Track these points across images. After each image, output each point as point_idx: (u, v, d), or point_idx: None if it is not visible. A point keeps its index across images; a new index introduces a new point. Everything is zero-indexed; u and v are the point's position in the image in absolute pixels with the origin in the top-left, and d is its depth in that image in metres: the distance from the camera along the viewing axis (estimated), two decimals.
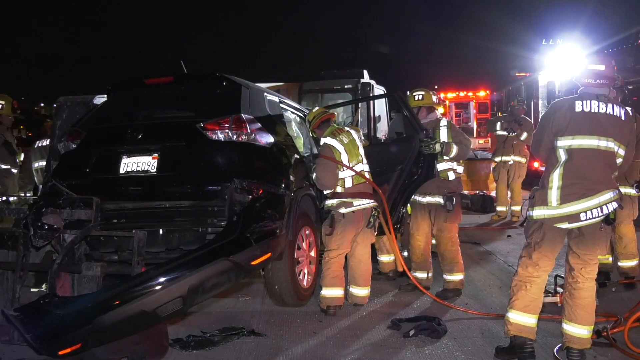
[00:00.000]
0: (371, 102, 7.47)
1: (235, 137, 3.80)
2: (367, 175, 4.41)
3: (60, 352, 2.84)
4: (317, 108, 4.72)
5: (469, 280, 4.99)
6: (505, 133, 8.43)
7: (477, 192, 10.16)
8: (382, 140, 6.98)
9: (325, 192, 4.40)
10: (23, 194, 6.16)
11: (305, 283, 4.34)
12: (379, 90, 8.06)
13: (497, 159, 8.61)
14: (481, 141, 17.28)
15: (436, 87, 22.97)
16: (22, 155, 6.57)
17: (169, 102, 4.30)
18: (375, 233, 4.60)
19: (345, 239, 4.25)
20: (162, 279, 3.03)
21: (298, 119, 5.20)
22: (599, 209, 3.05)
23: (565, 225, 3.11)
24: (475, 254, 6.35)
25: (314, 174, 4.30)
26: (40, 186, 4.99)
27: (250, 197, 3.67)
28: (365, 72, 8.23)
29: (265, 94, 4.48)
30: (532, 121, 9.35)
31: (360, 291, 4.40)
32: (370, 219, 4.35)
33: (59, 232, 3.56)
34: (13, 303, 3.30)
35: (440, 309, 4.26)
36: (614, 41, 10.79)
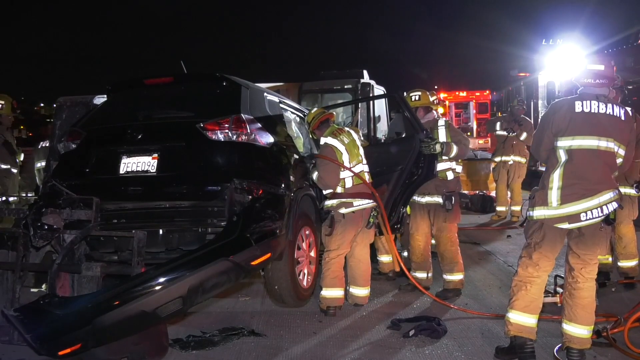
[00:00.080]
0: (371, 102, 7.47)
1: (235, 137, 3.80)
2: (367, 176, 4.42)
3: (60, 353, 2.84)
4: (315, 109, 4.73)
5: (468, 280, 5.00)
6: (505, 133, 8.43)
7: (477, 192, 10.17)
8: (382, 141, 6.98)
9: (325, 192, 4.40)
10: (25, 194, 6.16)
11: (305, 283, 4.34)
12: (378, 90, 8.06)
13: (497, 159, 8.61)
14: (481, 141, 17.28)
15: (436, 87, 22.98)
16: (22, 155, 6.57)
17: (168, 102, 4.30)
18: (377, 233, 4.60)
19: (345, 240, 4.25)
20: (162, 279, 3.03)
21: (298, 119, 5.20)
22: (599, 209, 3.06)
23: (565, 226, 3.11)
24: (475, 254, 6.35)
25: (315, 174, 4.30)
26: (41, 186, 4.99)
27: (250, 197, 3.67)
28: (365, 73, 8.22)
29: (265, 94, 4.48)
30: (532, 121, 9.35)
31: (360, 291, 4.40)
32: (370, 219, 4.35)
33: (59, 232, 3.56)
34: (13, 303, 3.30)
35: (440, 309, 4.26)
36: (614, 41, 10.78)
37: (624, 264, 4.85)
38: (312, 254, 4.48)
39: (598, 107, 3.11)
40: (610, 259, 4.90)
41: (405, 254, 5.17)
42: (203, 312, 4.24)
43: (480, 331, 3.81)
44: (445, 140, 4.67)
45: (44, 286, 3.62)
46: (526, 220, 3.33)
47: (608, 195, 3.08)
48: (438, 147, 4.55)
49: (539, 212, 3.15)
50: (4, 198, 5.68)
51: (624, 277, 4.87)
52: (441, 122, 4.84)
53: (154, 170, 3.76)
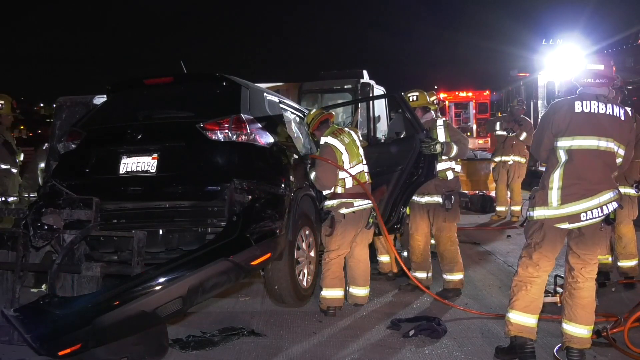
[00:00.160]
0: (371, 102, 7.46)
1: (235, 137, 3.80)
2: (367, 176, 4.42)
3: (60, 353, 2.84)
4: (314, 110, 4.74)
5: (468, 280, 5.00)
6: (504, 133, 8.43)
7: (477, 192, 10.17)
8: (382, 141, 6.98)
9: (325, 192, 4.40)
10: (27, 195, 6.15)
11: (305, 283, 4.34)
12: (378, 90, 8.05)
13: (497, 159, 8.61)
14: (481, 141, 17.27)
15: (435, 87, 22.97)
16: (22, 155, 6.57)
17: (168, 102, 4.30)
18: (376, 233, 4.59)
19: (346, 240, 4.25)
20: (161, 279, 3.03)
21: (298, 119, 5.20)
22: (599, 209, 3.06)
23: (565, 226, 3.11)
24: (475, 254, 6.35)
25: (313, 174, 4.30)
26: None
27: (250, 197, 3.67)
28: (365, 73, 8.22)
29: (265, 94, 4.48)
30: (532, 121, 9.35)
31: (360, 291, 4.40)
32: (370, 220, 4.35)
33: (59, 233, 3.56)
34: (13, 303, 3.30)
35: (440, 309, 4.26)
36: (614, 41, 10.78)
37: (624, 263, 4.85)
38: (312, 254, 4.48)
39: (598, 107, 3.11)
40: (610, 258, 4.90)
41: (405, 254, 5.17)
42: (203, 312, 4.24)
43: (480, 331, 3.81)
44: (444, 140, 4.67)
45: (43, 286, 3.62)
46: (526, 221, 3.33)
47: (608, 195, 3.08)
48: (439, 147, 4.55)
49: (539, 212, 3.15)
50: (3, 198, 5.68)
51: (623, 277, 4.88)
52: (440, 122, 4.84)
53: (154, 170, 3.76)
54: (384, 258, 5.32)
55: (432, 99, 5.35)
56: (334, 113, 4.94)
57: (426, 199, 4.71)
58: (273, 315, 4.18)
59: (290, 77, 8.68)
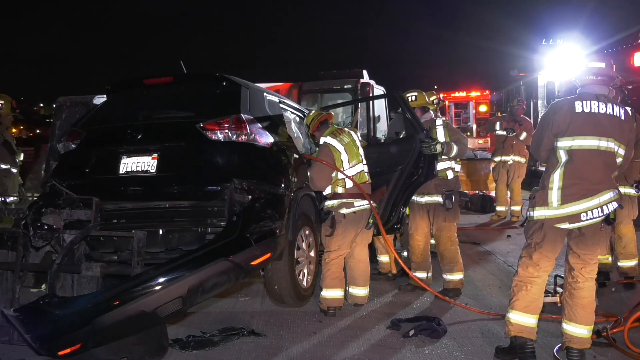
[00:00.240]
0: (370, 102, 7.46)
1: (235, 137, 3.80)
2: (367, 176, 4.41)
3: (60, 353, 2.84)
4: (313, 111, 4.74)
5: (468, 280, 4.99)
6: (504, 133, 8.43)
7: (477, 192, 10.16)
8: (382, 141, 6.97)
9: (325, 192, 4.40)
10: (31, 195, 6.15)
11: (304, 283, 4.34)
12: (378, 90, 8.04)
13: (497, 158, 8.61)
14: (480, 141, 17.27)
15: (435, 87, 22.94)
16: (22, 155, 6.57)
17: (168, 102, 4.30)
18: (376, 233, 4.59)
19: (346, 240, 4.25)
20: (161, 280, 3.03)
21: (298, 119, 5.20)
22: (599, 209, 3.06)
23: (565, 226, 3.11)
24: (475, 254, 6.35)
25: (308, 174, 4.31)
26: None
27: (250, 197, 3.67)
28: (365, 72, 8.20)
29: (265, 94, 4.48)
30: (532, 121, 9.35)
31: (360, 291, 4.40)
32: (370, 220, 4.35)
33: (59, 233, 3.56)
34: (13, 303, 3.30)
35: (440, 309, 4.26)
36: (614, 41, 10.77)
37: (624, 263, 4.85)
38: (312, 254, 4.48)
39: (598, 107, 3.11)
40: (610, 258, 4.90)
41: (405, 254, 5.17)
42: (203, 312, 4.23)
43: (480, 331, 3.81)
44: (444, 140, 4.67)
45: (43, 286, 3.62)
46: (526, 221, 3.33)
47: (608, 195, 3.08)
48: (439, 147, 4.56)
49: (539, 213, 3.15)
50: (2, 198, 5.67)
51: (623, 277, 4.87)
52: (439, 121, 4.84)
53: (154, 170, 3.76)
54: (384, 258, 5.32)
55: (431, 98, 5.35)
56: (333, 113, 4.94)
57: (426, 199, 4.71)
58: (273, 315, 4.18)
59: (290, 77, 8.66)
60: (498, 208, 8.69)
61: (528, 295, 3.18)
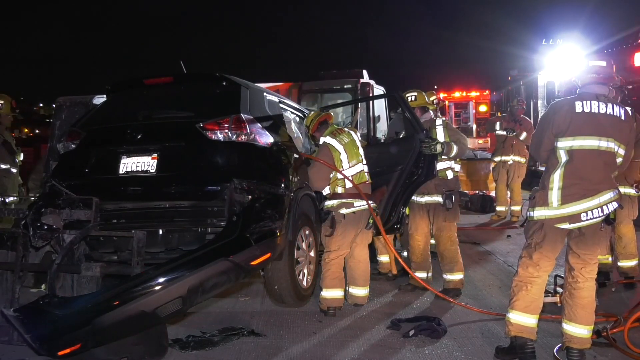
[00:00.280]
0: (370, 102, 7.45)
1: (234, 137, 3.80)
2: (367, 176, 4.41)
3: (60, 353, 2.84)
4: (312, 112, 4.74)
5: (468, 280, 4.99)
6: (504, 133, 8.43)
7: (477, 192, 10.16)
8: (382, 141, 6.97)
9: (325, 192, 4.40)
10: (34, 196, 6.15)
11: (304, 283, 4.33)
12: (378, 90, 8.03)
13: (497, 158, 8.61)
14: (480, 141, 17.27)
15: (435, 87, 22.93)
16: (22, 155, 6.57)
17: (168, 102, 4.30)
18: (378, 234, 4.59)
19: (346, 240, 4.25)
20: (161, 280, 3.03)
21: (297, 118, 5.20)
22: (599, 209, 3.05)
23: (566, 226, 3.11)
24: (475, 254, 6.34)
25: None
26: None
27: (250, 197, 3.67)
28: (365, 72, 8.20)
29: (265, 94, 4.48)
30: (532, 121, 9.34)
31: (360, 291, 4.40)
32: (370, 220, 4.35)
33: (59, 233, 3.55)
34: (12, 303, 3.30)
35: (440, 309, 4.26)
36: (614, 41, 10.77)
37: (624, 263, 4.85)
38: (312, 254, 4.48)
39: (598, 107, 3.11)
40: (610, 258, 4.90)
41: (405, 254, 5.17)
42: (203, 312, 4.23)
43: (480, 331, 3.80)
44: (444, 140, 4.67)
45: (43, 286, 3.62)
46: (526, 221, 3.33)
47: (608, 195, 3.08)
48: (439, 147, 4.55)
49: (539, 213, 3.15)
50: (2, 199, 5.67)
51: (623, 277, 4.88)
52: (439, 121, 4.84)
53: (154, 170, 3.76)
54: (384, 258, 5.31)
55: (431, 98, 5.35)
56: (332, 114, 4.93)
57: (426, 199, 4.71)
58: (273, 315, 4.18)
59: (290, 77, 8.65)
60: (498, 208, 8.69)
61: (528, 295, 3.18)
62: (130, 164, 3.82)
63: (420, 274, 4.74)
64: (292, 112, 5.08)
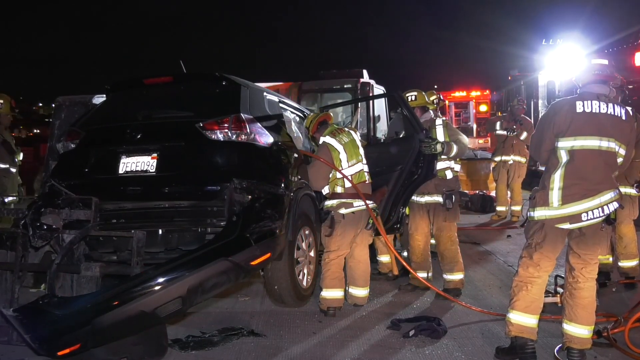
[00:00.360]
0: (370, 102, 7.45)
1: (234, 137, 3.79)
2: (367, 176, 4.41)
3: (60, 353, 2.83)
4: (312, 114, 4.74)
5: (468, 280, 4.99)
6: (505, 133, 8.42)
7: (477, 192, 10.15)
8: (382, 140, 6.97)
9: (324, 192, 4.40)
10: (37, 196, 6.14)
11: (304, 283, 4.33)
12: (378, 89, 8.03)
13: (497, 158, 8.60)
14: (481, 141, 17.26)
15: (435, 86, 22.93)
16: (21, 155, 6.56)
17: (168, 102, 4.29)
18: (377, 234, 4.58)
19: (345, 240, 4.24)
20: (161, 280, 3.02)
21: (297, 118, 5.19)
22: (600, 209, 3.05)
23: (566, 226, 3.11)
24: (475, 254, 6.34)
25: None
26: None
27: (250, 197, 3.66)
28: (365, 72, 8.20)
29: (265, 93, 4.47)
30: (532, 121, 9.34)
31: (360, 292, 4.39)
32: (370, 220, 4.34)
33: (58, 233, 3.55)
34: (12, 303, 3.29)
35: (441, 309, 4.25)
36: (614, 41, 10.77)
37: (625, 263, 4.84)
38: (312, 254, 4.47)
39: (599, 107, 3.10)
40: (610, 259, 4.90)
41: (405, 253, 5.16)
42: (202, 312, 4.23)
43: (480, 331, 3.80)
44: (444, 140, 4.66)
45: (42, 286, 3.61)
46: (526, 221, 3.32)
47: (609, 195, 3.07)
48: (439, 147, 4.55)
49: (539, 213, 3.14)
50: (1, 198, 5.66)
51: (624, 277, 4.87)
52: (439, 121, 4.83)
53: (153, 170, 3.75)
54: (384, 258, 5.31)
55: (431, 98, 5.34)
56: (332, 114, 4.93)
57: (426, 199, 4.70)
58: (273, 315, 4.17)
59: (290, 77, 8.65)
60: (498, 208, 8.68)
61: (528, 295, 3.17)
62: (129, 164, 3.81)
63: (421, 274, 4.73)
64: (292, 112, 5.08)
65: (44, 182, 4.39)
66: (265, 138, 3.98)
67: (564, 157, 3.11)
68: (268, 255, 3.55)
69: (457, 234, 4.77)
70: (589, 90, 3.18)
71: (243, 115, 3.86)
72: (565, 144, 3.11)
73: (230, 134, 3.79)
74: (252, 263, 3.41)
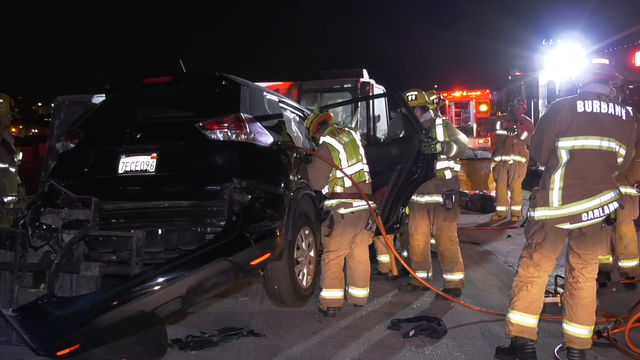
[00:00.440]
0: (370, 101, 7.44)
1: (234, 136, 3.79)
2: (367, 175, 4.40)
3: (59, 353, 2.83)
4: (312, 114, 4.73)
5: (468, 280, 4.98)
6: (505, 132, 8.42)
7: (477, 191, 10.14)
8: (382, 140, 6.96)
9: (324, 191, 4.39)
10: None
11: (304, 283, 4.32)
12: (378, 89, 8.02)
13: (497, 158, 8.59)
14: (481, 141, 17.25)
15: (435, 86, 22.91)
16: (21, 155, 6.56)
17: (167, 101, 4.29)
18: (377, 233, 4.58)
19: (344, 240, 4.24)
20: (160, 279, 3.02)
21: (297, 118, 5.18)
22: (600, 209, 3.04)
23: (566, 226, 3.10)
24: (475, 254, 6.33)
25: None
26: None
27: (250, 196, 3.66)
28: (365, 72, 8.19)
29: (265, 93, 4.46)
30: (533, 120, 9.33)
31: (360, 292, 4.39)
32: (369, 221, 4.33)
33: (57, 232, 3.54)
34: (11, 303, 3.29)
35: (441, 309, 4.25)
36: (614, 40, 10.78)
37: (625, 264, 4.84)
38: (312, 253, 4.47)
39: (600, 106, 3.10)
40: (611, 259, 4.89)
41: (405, 253, 5.16)
42: (202, 312, 4.22)
43: (480, 331, 3.80)
44: (444, 139, 4.66)
45: (42, 286, 3.61)
46: (527, 221, 3.31)
47: (609, 195, 3.07)
48: (439, 147, 4.54)
49: (540, 213, 3.14)
50: (0, 198, 5.66)
51: (624, 277, 4.86)
52: (439, 121, 4.83)
53: (153, 170, 3.74)
54: (384, 258, 5.30)
55: (431, 98, 5.33)
56: (332, 114, 4.92)
57: (426, 199, 4.70)
58: (272, 315, 4.17)
59: (290, 77, 8.65)
60: (498, 208, 8.68)
61: (528, 295, 3.17)
62: (129, 164, 3.81)
63: (421, 274, 4.73)
64: (292, 112, 5.07)
65: (43, 181, 4.38)
66: (265, 138, 3.98)
67: (564, 157, 3.11)
68: (268, 255, 3.54)
69: (457, 234, 4.77)
70: (589, 89, 3.18)
71: (243, 115, 3.86)
72: (565, 144, 3.10)
73: (230, 134, 3.78)
74: (252, 263, 3.41)
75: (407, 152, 4.69)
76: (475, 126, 18.82)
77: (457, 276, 4.64)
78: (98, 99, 5.28)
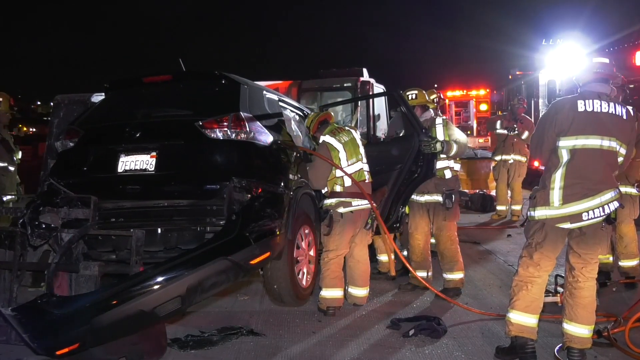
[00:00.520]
0: (370, 100, 7.43)
1: (234, 135, 3.78)
2: (367, 175, 4.39)
3: (58, 352, 2.82)
4: (312, 114, 4.73)
5: (468, 280, 4.98)
6: (505, 132, 8.41)
7: (477, 191, 10.14)
8: (382, 139, 6.95)
9: (324, 191, 4.38)
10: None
11: (304, 282, 4.32)
12: (378, 88, 8.01)
13: (497, 157, 8.58)
14: (481, 140, 17.25)
15: (436, 85, 22.91)
16: (20, 154, 6.55)
17: (167, 100, 4.28)
18: (377, 233, 4.57)
19: (344, 240, 4.23)
20: (160, 279, 3.01)
21: (297, 117, 5.18)
22: (600, 208, 3.04)
23: (567, 225, 3.10)
24: (475, 253, 6.33)
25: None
26: None
27: (249, 196, 3.65)
28: (365, 71, 8.18)
29: (264, 92, 4.45)
30: (533, 120, 9.32)
31: (359, 291, 4.38)
32: (369, 220, 4.33)
33: (57, 231, 3.54)
34: (10, 303, 3.28)
35: (440, 309, 4.24)
36: (615, 40, 10.77)
37: (625, 263, 4.83)
38: (312, 253, 4.46)
39: (600, 106, 3.09)
40: (611, 258, 4.89)
41: (405, 253, 5.15)
42: (202, 312, 4.22)
43: (480, 331, 3.79)
44: (444, 139, 4.65)
45: (41, 285, 3.60)
46: (527, 220, 3.31)
47: (609, 194, 3.07)
48: (439, 146, 4.54)
49: (540, 212, 3.13)
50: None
51: (624, 276, 4.86)
52: (439, 120, 4.82)
53: (153, 169, 3.74)
54: (383, 257, 5.30)
55: (431, 97, 5.33)
56: (332, 113, 4.92)
57: (426, 198, 4.69)
58: (272, 314, 4.17)
59: (289, 76, 8.63)
60: (498, 207, 8.67)
61: (528, 295, 3.16)
62: (128, 163, 3.80)
63: (421, 273, 4.72)
64: (291, 111, 5.06)
65: (43, 180, 4.37)
66: (265, 137, 3.97)
67: (564, 156, 3.10)
68: (267, 254, 3.54)
69: (457, 233, 4.76)
70: (590, 89, 3.17)
71: (242, 114, 3.85)
72: (566, 143, 3.10)
73: (229, 133, 3.77)
74: (252, 262, 3.40)
75: (407, 152, 4.68)
76: (475, 125, 18.82)
77: (457, 275, 4.64)
78: (97, 97, 5.28)
